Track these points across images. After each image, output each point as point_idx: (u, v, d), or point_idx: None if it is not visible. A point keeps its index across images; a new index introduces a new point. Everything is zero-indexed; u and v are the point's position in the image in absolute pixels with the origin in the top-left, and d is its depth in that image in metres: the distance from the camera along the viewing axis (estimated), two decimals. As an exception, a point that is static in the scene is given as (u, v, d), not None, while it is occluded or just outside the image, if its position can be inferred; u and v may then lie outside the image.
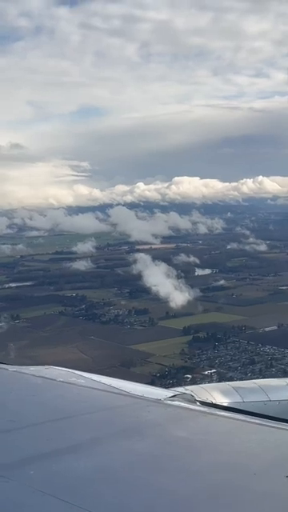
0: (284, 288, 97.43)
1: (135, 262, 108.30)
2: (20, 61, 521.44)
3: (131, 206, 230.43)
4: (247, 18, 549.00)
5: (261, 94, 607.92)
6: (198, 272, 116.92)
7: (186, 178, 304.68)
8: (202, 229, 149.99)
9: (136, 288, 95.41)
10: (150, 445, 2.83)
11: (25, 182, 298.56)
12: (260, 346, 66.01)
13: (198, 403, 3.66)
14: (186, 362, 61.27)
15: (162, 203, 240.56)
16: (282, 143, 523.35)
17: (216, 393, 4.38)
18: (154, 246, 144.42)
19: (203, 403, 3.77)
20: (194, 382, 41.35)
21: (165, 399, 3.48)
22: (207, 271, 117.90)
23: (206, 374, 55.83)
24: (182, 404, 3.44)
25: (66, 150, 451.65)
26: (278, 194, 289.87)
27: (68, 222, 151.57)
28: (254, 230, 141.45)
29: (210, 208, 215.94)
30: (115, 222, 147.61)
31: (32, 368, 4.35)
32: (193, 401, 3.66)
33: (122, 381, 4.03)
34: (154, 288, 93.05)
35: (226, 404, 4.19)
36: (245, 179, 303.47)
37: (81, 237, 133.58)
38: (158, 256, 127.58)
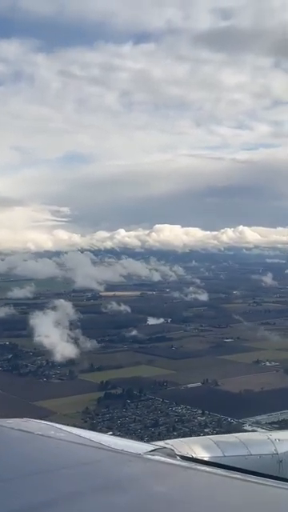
0: (228, 341, 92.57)
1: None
2: (1, 106, 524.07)
3: (108, 252, 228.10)
4: (224, 70, 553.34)
5: (245, 145, 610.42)
6: (151, 321, 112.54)
7: (167, 226, 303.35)
8: (156, 276, 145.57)
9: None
10: (131, 500, 2.76)
11: (1, 225, 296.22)
12: (174, 404, 60.34)
13: (178, 457, 3.59)
14: (85, 421, 55.34)
15: (138, 250, 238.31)
16: (265, 194, 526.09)
17: (197, 447, 4.27)
18: (117, 293, 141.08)
19: (184, 457, 3.70)
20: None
21: (145, 453, 3.37)
22: (160, 320, 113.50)
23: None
24: (163, 458, 3.35)
25: (47, 195, 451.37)
26: (259, 244, 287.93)
27: (23, 267, 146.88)
28: (205, 279, 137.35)
29: (184, 256, 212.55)
30: (70, 268, 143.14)
31: (9, 421, 4.08)
32: (173, 455, 3.57)
33: (102, 434, 3.92)
34: (89, 338, 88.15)
35: (206, 458, 4.08)
36: (226, 228, 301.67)
37: (26, 282, 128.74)
38: (113, 303, 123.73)
